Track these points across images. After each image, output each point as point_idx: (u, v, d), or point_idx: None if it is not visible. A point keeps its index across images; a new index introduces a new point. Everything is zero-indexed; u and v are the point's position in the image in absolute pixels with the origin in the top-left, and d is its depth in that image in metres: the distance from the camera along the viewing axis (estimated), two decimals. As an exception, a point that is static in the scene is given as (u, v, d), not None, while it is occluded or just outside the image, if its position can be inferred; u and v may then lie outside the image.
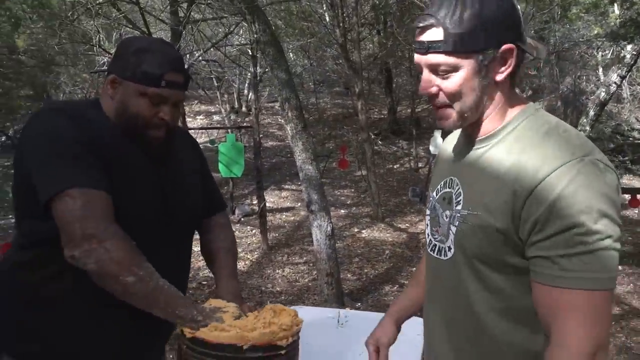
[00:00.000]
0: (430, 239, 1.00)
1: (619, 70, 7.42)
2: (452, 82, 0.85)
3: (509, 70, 0.85)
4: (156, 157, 1.17)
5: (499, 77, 0.86)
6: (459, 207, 0.90)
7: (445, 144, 1.07)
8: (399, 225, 7.21)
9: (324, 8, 9.06)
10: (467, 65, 0.83)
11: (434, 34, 0.83)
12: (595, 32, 9.83)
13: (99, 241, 0.97)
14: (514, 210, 0.81)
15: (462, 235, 0.89)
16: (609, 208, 0.76)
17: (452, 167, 0.98)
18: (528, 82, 12.65)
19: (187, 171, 1.28)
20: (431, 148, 8.47)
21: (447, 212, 0.93)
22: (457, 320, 0.94)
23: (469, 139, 0.94)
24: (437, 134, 8.34)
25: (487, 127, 0.90)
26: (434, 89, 0.87)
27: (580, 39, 9.55)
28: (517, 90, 0.93)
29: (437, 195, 0.99)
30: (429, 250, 1.00)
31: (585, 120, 8.06)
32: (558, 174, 0.77)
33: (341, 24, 7.46)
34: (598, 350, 0.75)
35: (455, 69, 0.84)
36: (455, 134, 1.05)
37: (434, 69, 0.86)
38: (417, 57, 0.88)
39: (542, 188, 0.78)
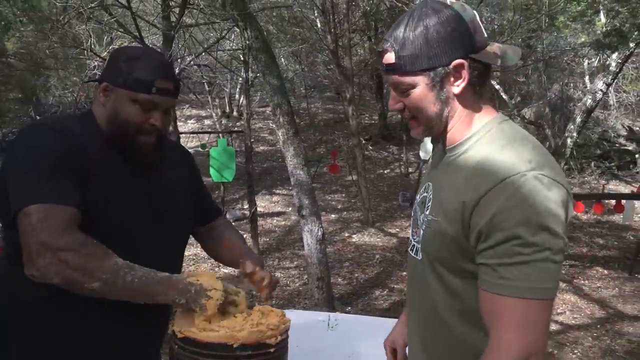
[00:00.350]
0: (410, 239, 1.05)
1: (605, 78, 7.57)
2: (412, 99, 0.93)
3: (464, 83, 0.91)
4: (146, 163, 1.19)
5: (456, 90, 0.92)
6: (427, 212, 0.96)
7: (433, 151, 1.13)
8: (389, 230, 7.26)
9: (315, 14, 9.13)
10: (420, 82, 0.91)
11: (389, 58, 0.92)
12: (582, 40, 10.01)
13: (53, 254, 0.97)
14: (463, 219, 0.86)
15: (425, 239, 0.96)
16: (549, 222, 0.80)
17: (431, 172, 1.06)
18: (517, 88, 12.83)
19: (176, 180, 1.30)
20: (421, 153, 8.55)
21: (422, 216, 0.99)
22: (427, 320, 0.99)
23: (443, 147, 1.01)
24: (427, 140, 8.43)
25: (453, 136, 0.96)
26: (399, 105, 0.96)
27: (567, 47, 9.71)
28: (488, 102, 0.99)
29: (418, 198, 1.05)
30: (409, 250, 1.05)
31: (572, 126, 8.19)
32: (500, 187, 0.82)
33: (332, 30, 7.52)
34: (529, 357, 0.80)
35: (411, 86, 0.92)
36: (431, 160, 1.13)
37: (396, 87, 0.94)
38: (384, 77, 1.01)
39: (485, 201, 0.83)
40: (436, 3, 0.91)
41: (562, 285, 5.28)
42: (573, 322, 4.39)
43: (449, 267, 0.92)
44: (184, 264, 1.40)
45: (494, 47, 0.93)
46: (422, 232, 0.97)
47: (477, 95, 0.94)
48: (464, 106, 0.94)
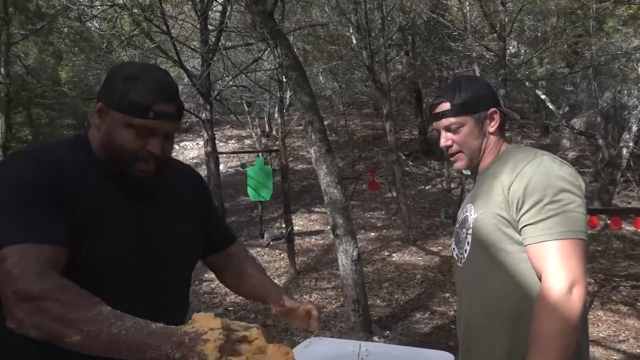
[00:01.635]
0: (456, 253, 1.33)
1: (662, 83, 7.05)
2: (461, 135, 1.28)
3: (497, 124, 1.29)
4: (143, 192, 1.09)
5: (491, 129, 1.29)
6: (472, 216, 1.25)
7: (464, 202, 1.46)
8: (431, 248, 6.98)
9: (351, 31, 9.11)
10: (469, 122, 1.27)
11: (444, 106, 1.28)
12: (635, 44, 9.43)
13: (30, 303, 0.86)
14: (505, 197, 1.17)
15: (476, 230, 1.22)
16: (566, 185, 1.12)
17: (467, 200, 1.37)
18: (564, 98, 12.24)
19: (181, 206, 1.19)
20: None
21: (464, 230, 1.29)
22: (475, 296, 1.23)
23: (477, 176, 1.33)
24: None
25: (485, 162, 1.31)
26: (449, 142, 1.29)
27: (619, 52, 9.17)
28: (506, 138, 1.36)
29: (458, 224, 1.36)
30: (458, 264, 1.32)
31: (628, 135, 7.67)
32: (528, 167, 1.16)
33: (368, 46, 7.45)
34: (573, 285, 1.06)
35: (461, 125, 1.27)
36: (467, 196, 1.44)
37: (447, 128, 1.28)
38: (436, 124, 1.31)
39: (518, 178, 1.15)
40: (473, 76, 1.55)
41: (624, 308, 4.82)
42: (638, 350, 3.97)
43: (499, 246, 1.17)
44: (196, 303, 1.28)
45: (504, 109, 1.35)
46: (471, 230, 1.24)
47: (501, 134, 1.32)
48: (495, 141, 1.30)
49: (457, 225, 1.35)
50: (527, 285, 1.14)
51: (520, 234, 1.14)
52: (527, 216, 1.12)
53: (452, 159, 1.30)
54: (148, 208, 1.11)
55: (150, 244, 1.09)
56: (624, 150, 7.62)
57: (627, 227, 6.98)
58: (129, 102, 1.01)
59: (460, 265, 1.28)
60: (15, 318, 0.87)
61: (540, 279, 1.12)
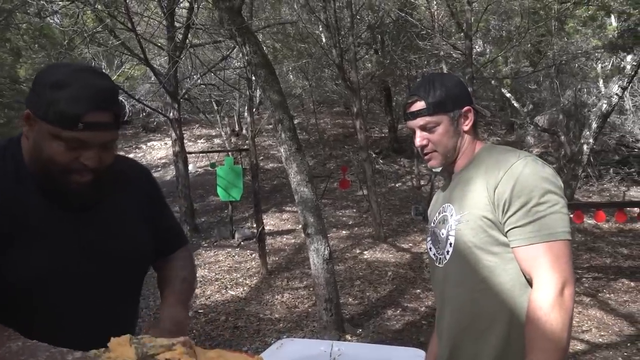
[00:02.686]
0: (436, 257, 1.30)
1: (620, 82, 7.33)
2: (437, 134, 1.26)
3: (471, 122, 1.28)
4: (79, 204, 1.00)
5: (465, 128, 1.28)
6: (454, 217, 1.23)
7: (434, 198, 1.45)
8: (402, 245, 7.05)
9: (320, 29, 9.10)
10: (445, 121, 1.25)
11: (419, 105, 1.26)
12: (594, 44, 9.79)
13: None
14: (490, 199, 1.16)
15: (459, 232, 1.20)
16: (551, 186, 1.13)
17: (443, 199, 1.34)
18: (529, 96, 12.60)
19: (124, 213, 1.11)
20: (432, 165, 8.38)
21: (443, 230, 1.27)
22: (461, 304, 1.22)
23: (449, 175, 1.33)
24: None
25: (461, 162, 1.30)
26: (425, 141, 1.27)
27: (579, 52, 9.50)
28: (479, 137, 1.34)
29: (434, 223, 1.34)
30: (436, 264, 1.30)
31: (588, 132, 7.93)
32: (513, 169, 1.15)
33: (337, 45, 7.45)
34: (565, 285, 1.08)
35: (437, 124, 1.25)
36: (440, 190, 1.42)
37: (423, 127, 1.26)
38: (410, 123, 1.28)
39: (504, 180, 1.14)
40: (446, 74, 1.49)
41: (586, 299, 4.99)
42: (600, 340, 4.11)
43: (485, 248, 1.16)
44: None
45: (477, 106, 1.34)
46: (453, 231, 1.22)
47: (475, 132, 1.30)
48: (469, 139, 1.29)
49: (432, 225, 1.33)
50: (513, 285, 1.15)
51: (506, 236, 1.15)
52: (515, 218, 1.12)
53: (426, 157, 1.29)
54: (87, 219, 1.03)
55: (89, 256, 1.01)
56: (585, 147, 7.88)
57: (588, 221, 7.23)
58: (56, 112, 0.91)
59: (441, 266, 1.26)
60: None
61: (527, 279, 1.13)
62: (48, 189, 0.98)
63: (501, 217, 1.14)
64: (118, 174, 1.10)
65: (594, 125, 7.85)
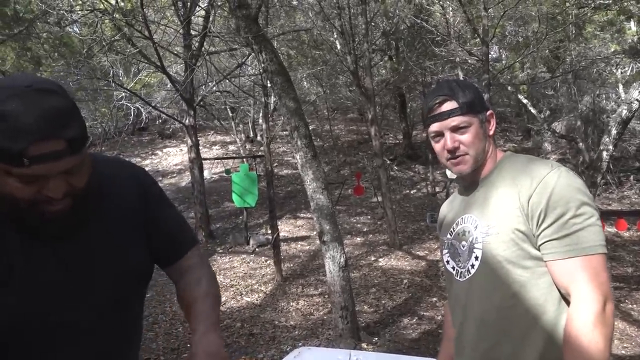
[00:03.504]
0: (456, 270, 1.24)
1: (640, 87, 7.19)
2: (469, 135, 1.19)
3: (494, 126, 1.25)
4: (56, 234, 0.91)
5: (491, 132, 1.24)
6: (479, 229, 1.17)
7: (445, 206, 1.39)
8: (417, 252, 6.99)
9: (335, 36, 9.12)
10: (475, 122, 1.20)
11: (451, 105, 1.19)
12: (612, 49, 9.63)
13: None
14: (522, 211, 1.10)
15: (489, 245, 1.14)
16: (585, 198, 1.09)
17: (460, 210, 1.28)
18: (545, 102, 12.44)
19: (115, 230, 1.00)
20: (447, 172, 8.30)
21: (464, 243, 1.21)
22: (487, 319, 1.16)
23: (472, 185, 1.26)
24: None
25: (486, 168, 1.24)
26: (456, 143, 1.20)
27: (598, 57, 9.35)
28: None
29: (451, 235, 1.27)
30: (457, 278, 1.23)
31: (607, 139, 7.79)
32: (548, 179, 1.10)
33: (352, 51, 7.45)
34: (606, 300, 1.03)
35: (469, 124, 1.19)
36: (451, 197, 1.38)
37: (455, 128, 1.19)
38: (439, 124, 1.20)
39: (539, 190, 1.10)
40: (461, 79, 1.40)
41: (608, 310, 4.87)
42: (623, 352, 4.01)
43: (516, 262, 1.11)
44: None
45: None
46: (480, 244, 1.16)
47: (494, 139, 1.27)
48: (492, 145, 1.24)
49: (449, 237, 1.27)
50: (545, 300, 1.10)
51: (538, 249, 1.09)
52: (550, 231, 1.07)
53: (455, 161, 1.20)
54: (69, 246, 0.93)
55: (79, 287, 0.94)
56: (604, 153, 7.73)
57: (609, 229, 7.09)
58: None
59: (462, 280, 1.20)
60: None
61: (561, 293, 1.09)
62: (19, 223, 0.88)
63: (535, 229, 1.09)
64: (107, 179, 1.00)
65: (614, 131, 7.71)
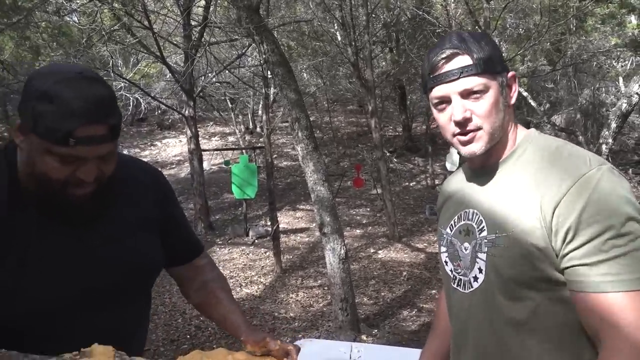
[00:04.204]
0: (454, 275, 0.99)
1: (641, 81, 7.18)
2: (485, 103, 0.89)
3: (516, 94, 0.93)
4: (79, 219, 0.94)
5: (511, 101, 0.93)
6: (484, 234, 0.91)
7: (447, 186, 1.10)
8: (417, 245, 7.02)
9: (335, 27, 9.07)
10: (494, 86, 0.90)
11: (463, 60, 0.89)
12: (613, 42, 9.61)
13: None
14: (545, 224, 0.83)
15: (494, 259, 0.89)
16: (633, 211, 0.80)
17: (464, 200, 1.00)
18: (545, 95, 12.43)
19: (131, 224, 1.04)
20: (447, 165, 8.30)
21: (466, 244, 0.94)
22: (489, 350, 0.93)
23: (481, 169, 0.97)
24: (453, 150, 8.18)
25: (502, 150, 0.94)
26: (467, 113, 0.89)
27: (599, 50, 9.34)
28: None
29: (452, 230, 1.00)
30: (454, 285, 0.99)
31: (607, 132, 7.80)
32: (582, 183, 0.81)
33: (353, 43, 7.42)
34: None
35: (486, 89, 0.89)
36: (456, 175, 1.09)
37: (468, 92, 0.89)
38: (446, 87, 0.90)
39: (568, 199, 0.81)
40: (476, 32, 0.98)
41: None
42: None
43: (527, 283, 0.86)
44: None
45: None
46: (484, 255, 0.91)
47: (514, 111, 0.96)
48: (510, 119, 0.94)
49: (449, 232, 1.00)
50: (561, 333, 0.85)
51: (562, 272, 0.82)
52: (581, 252, 0.79)
53: (465, 139, 0.90)
54: (89, 234, 0.97)
55: (96, 270, 0.97)
56: (604, 147, 7.75)
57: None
58: (45, 127, 0.84)
59: (463, 291, 0.95)
60: None
61: (586, 331, 0.83)
62: (45, 205, 0.91)
63: (560, 246, 0.81)
64: (126, 176, 1.04)
65: (614, 124, 7.71)
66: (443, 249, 1.02)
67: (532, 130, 0.96)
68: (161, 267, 1.13)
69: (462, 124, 0.89)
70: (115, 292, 1.00)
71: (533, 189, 0.85)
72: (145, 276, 1.08)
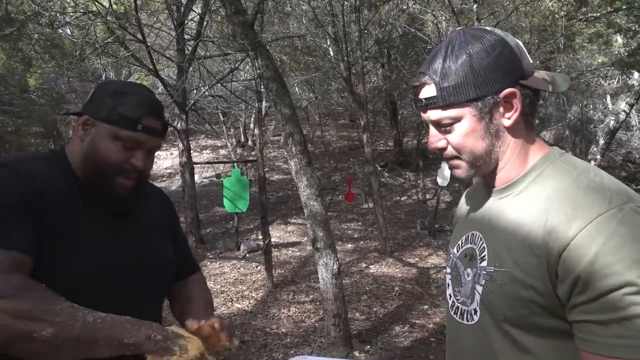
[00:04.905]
0: (452, 301, 0.92)
1: (628, 99, 7.34)
2: (457, 135, 0.83)
3: (516, 114, 0.81)
4: (119, 208, 1.08)
5: (507, 123, 0.82)
6: (484, 264, 0.83)
7: (466, 196, 1.03)
8: (408, 259, 7.01)
9: (328, 43, 9.17)
10: (467, 114, 0.82)
11: (429, 91, 0.83)
12: (600, 60, 9.82)
13: None
14: (549, 267, 0.72)
15: (489, 295, 0.80)
16: None
17: (473, 220, 0.92)
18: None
19: (154, 228, 1.18)
20: (439, 180, 8.35)
21: (469, 270, 0.87)
22: None
23: (488, 189, 0.90)
24: (444, 165, 8.24)
25: (506, 175, 0.85)
26: (441, 143, 0.86)
27: (588, 69, 9.53)
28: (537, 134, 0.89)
29: (458, 251, 0.93)
30: (452, 313, 0.92)
31: (595, 149, 7.93)
32: (596, 225, 0.69)
33: (345, 58, 7.50)
34: None
35: (456, 120, 0.82)
36: (477, 184, 1.00)
37: (437, 124, 0.85)
38: (421, 115, 0.87)
39: (578, 243, 0.69)
40: (475, 29, 0.83)
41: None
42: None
43: (522, 325, 0.77)
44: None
45: (542, 73, 0.85)
46: (480, 287, 0.82)
47: (529, 126, 0.85)
48: (517, 139, 0.84)
49: (455, 252, 0.94)
50: None
51: (568, 323, 0.73)
52: (591, 307, 0.69)
53: (450, 163, 0.88)
54: (123, 227, 1.09)
55: (125, 262, 1.06)
56: (592, 163, 7.88)
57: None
58: (119, 114, 1.02)
59: (464, 323, 0.87)
60: None
61: None
62: (94, 192, 1.05)
63: (566, 296, 0.71)
64: (148, 192, 1.19)
65: (602, 141, 7.85)
66: (448, 269, 0.96)
67: (554, 149, 0.85)
68: (175, 271, 1.20)
69: (440, 151, 0.87)
70: (140, 286, 1.07)
71: (539, 222, 0.75)
72: (166, 274, 1.17)
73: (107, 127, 1.03)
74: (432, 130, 0.86)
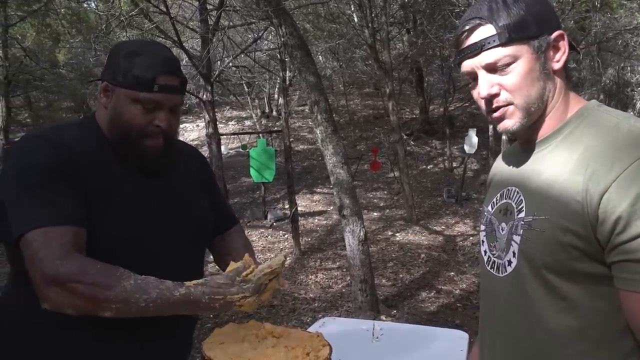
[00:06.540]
0: (488, 256, 0.92)
1: (668, 59, 6.98)
2: (514, 75, 0.81)
3: (565, 56, 0.82)
4: (153, 168, 1.10)
5: (557, 66, 0.82)
6: (522, 215, 0.83)
7: (502, 157, 1.01)
8: (434, 227, 7.01)
9: (352, 9, 8.96)
10: (526, 53, 0.80)
11: (484, 32, 0.81)
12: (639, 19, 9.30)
13: (58, 285, 0.89)
14: (590, 211, 0.73)
15: (527, 243, 0.81)
16: None
17: (510, 177, 0.92)
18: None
19: (190, 185, 1.20)
20: (466, 147, 8.22)
21: (504, 224, 0.88)
22: (520, 342, 0.85)
23: (528, 144, 0.89)
24: (472, 133, 8.09)
25: (548, 124, 0.85)
26: (494, 89, 0.83)
27: (625, 28, 9.05)
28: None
29: (492, 208, 0.94)
30: (487, 267, 0.92)
31: (632, 113, 7.63)
32: (637, 167, 0.70)
33: (370, 24, 7.34)
34: None
35: (514, 59, 0.80)
36: (508, 150, 1.00)
37: (492, 67, 0.82)
38: (469, 63, 0.84)
39: (620, 184, 0.71)
40: None
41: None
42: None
43: (561, 272, 0.77)
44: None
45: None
46: (518, 237, 0.83)
47: (568, 76, 0.85)
48: (561, 88, 0.84)
49: (489, 209, 0.94)
50: (603, 332, 0.77)
51: (608, 266, 0.74)
52: (632, 246, 0.70)
53: (496, 115, 0.84)
54: (159, 186, 1.12)
55: (163, 221, 1.09)
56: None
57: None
58: (133, 77, 1.02)
59: (497, 275, 0.88)
60: (48, 300, 0.91)
61: (632, 332, 0.75)
62: (126, 155, 1.07)
63: (607, 238, 0.72)
64: (180, 150, 1.20)
65: (639, 104, 7.53)
66: (482, 227, 0.96)
67: (592, 102, 0.85)
68: (212, 227, 1.23)
69: (489, 101, 0.83)
70: (178, 245, 1.10)
71: (580, 168, 0.75)
72: (203, 233, 1.20)
73: (125, 92, 1.03)
74: (483, 76, 0.83)
